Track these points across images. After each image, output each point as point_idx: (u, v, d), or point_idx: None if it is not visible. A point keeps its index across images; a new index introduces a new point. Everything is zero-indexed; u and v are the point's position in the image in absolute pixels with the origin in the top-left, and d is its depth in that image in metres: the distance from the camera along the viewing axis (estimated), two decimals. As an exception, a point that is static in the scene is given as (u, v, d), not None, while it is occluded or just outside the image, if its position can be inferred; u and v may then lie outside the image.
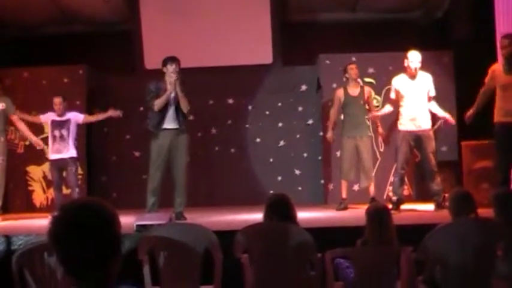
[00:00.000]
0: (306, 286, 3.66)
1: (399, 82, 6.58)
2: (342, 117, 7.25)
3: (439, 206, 6.36)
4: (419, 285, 3.51)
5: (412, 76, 6.50)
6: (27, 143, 8.23)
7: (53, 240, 1.66)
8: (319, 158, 8.54)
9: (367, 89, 7.26)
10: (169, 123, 6.33)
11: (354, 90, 7.11)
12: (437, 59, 8.07)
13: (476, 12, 7.89)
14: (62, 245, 1.65)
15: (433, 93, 6.58)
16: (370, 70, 8.06)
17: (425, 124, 6.51)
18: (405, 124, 6.50)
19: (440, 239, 3.36)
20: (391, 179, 7.45)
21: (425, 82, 6.55)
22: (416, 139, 6.49)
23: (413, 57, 6.48)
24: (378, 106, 8.12)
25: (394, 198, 6.56)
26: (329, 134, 7.22)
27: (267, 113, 8.67)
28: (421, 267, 3.46)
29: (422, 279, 3.49)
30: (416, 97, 6.49)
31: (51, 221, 1.69)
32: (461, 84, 7.99)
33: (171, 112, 6.33)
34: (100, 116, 7.28)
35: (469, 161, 7.06)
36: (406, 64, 6.53)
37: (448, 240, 3.34)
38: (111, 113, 7.07)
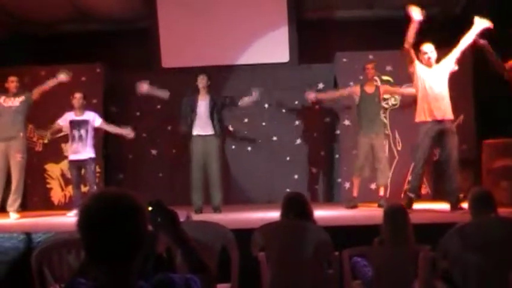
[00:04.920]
0: (324, 284, 3.64)
1: (421, 68, 6.36)
2: (357, 115, 7.28)
3: (454, 207, 6.14)
4: (438, 285, 3.48)
5: (430, 66, 6.33)
6: (45, 141, 8.32)
7: (80, 227, 1.66)
8: (336, 156, 8.51)
9: (382, 87, 7.30)
10: (202, 129, 6.94)
11: (369, 88, 7.16)
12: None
13: (495, 9, 7.80)
14: (89, 233, 1.65)
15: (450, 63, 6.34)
16: (388, 68, 8.02)
17: (448, 115, 6.27)
18: (426, 116, 6.26)
19: (459, 238, 3.33)
20: (409, 177, 7.34)
21: (443, 70, 6.32)
22: (439, 133, 6.24)
23: (428, 49, 6.33)
24: (395, 104, 8.10)
25: (412, 195, 6.36)
26: (312, 94, 7.37)
27: (284, 111, 8.65)
28: (439, 267, 3.43)
29: (440, 278, 3.46)
30: (436, 87, 6.26)
31: (81, 208, 1.69)
32: (479, 83, 7.92)
33: (204, 119, 6.93)
34: (115, 129, 7.36)
35: (489, 159, 6.98)
36: (421, 58, 6.36)
37: (468, 239, 3.31)
38: (125, 132, 7.25)
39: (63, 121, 7.20)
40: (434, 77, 6.30)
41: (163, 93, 7.31)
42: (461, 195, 6.20)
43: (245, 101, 7.18)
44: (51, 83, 7.09)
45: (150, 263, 2.06)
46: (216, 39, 8.58)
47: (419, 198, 6.45)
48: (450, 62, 6.36)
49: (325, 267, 3.67)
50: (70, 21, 8.95)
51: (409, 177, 7.23)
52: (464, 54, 6.39)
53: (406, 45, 6.22)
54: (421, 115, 6.31)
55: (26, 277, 3.46)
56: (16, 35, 8.82)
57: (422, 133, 6.31)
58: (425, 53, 6.33)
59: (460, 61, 6.43)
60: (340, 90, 7.46)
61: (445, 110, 6.26)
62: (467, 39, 6.29)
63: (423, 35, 6.36)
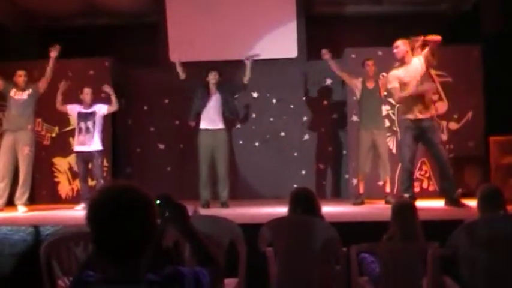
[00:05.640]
0: (331, 280, 3.64)
1: (398, 72, 6.30)
2: (359, 111, 7.33)
3: (453, 203, 6.04)
4: (446, 282, 3.47)
5: (407, 63, 6.24)
6: (53, 134, 8.34)
7: (90, 221, 1.67)
8: (344, 152, 8.50)
9: (381, 80, 7.22)
10: (210, 123, 6.98)
11: (370, 83, 7.17)
12: (466, 53, 7.97)
13: (506, 5, 7.75)
14: (98, 227, 1.65)
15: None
16: (397, 64, 7.96)
17: (426, 113, 6.16)
18: (407, 114, 6.22)
19: (468, 235, 3.31)
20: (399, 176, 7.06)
21: (418, 63, 6.21)
22: (420, 131, 6.16)
23: (395, 44, 6.31)
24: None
25: (406, 195, 6.20)
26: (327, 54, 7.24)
27: (292, 106, 8.64)
28: (447, 264, 3.42)
29: (448, 275, 3.45)
30: (413, 82, 6.16)
31: (89, 202, 1.70)
32: (490, 79, 7.87)
33: (212, 114, 6.98)
34: (112, 96, 7.40)
35: (497, 156, 6.96)
36: (399, 50, 6.27)
37: (476, 236, 3.29)
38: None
39: (71, 109, 7.30)
40: (408, 74, 6.20)
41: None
42: (460, 191, 6.19)
43: (247, 73, 7.20)
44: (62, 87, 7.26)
45: (159, 256, 2.06)
46: (224, 34, 8.56)
47: (414, 198, 6.07)
48: (423, 59, 6.22)
49: (332, 263, 3.66)
50: (80, 15, 8.97)
51: (400, 177, 7.01)
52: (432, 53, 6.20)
53: None
54: (402, 113, 6.35)
55: (34, 270, 3.47)
56: (26, 29, 8.85)
57: (403, 130, 6.33)
58: (398, 46, 6.28)
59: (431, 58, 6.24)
60: (347, 74, 7.38)
61: (423, 107, 6.16)
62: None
63: (433, 30, 6.33)
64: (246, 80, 7.23)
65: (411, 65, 6.25)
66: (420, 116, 6.15)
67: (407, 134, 6.26)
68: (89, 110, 7.22)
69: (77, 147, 7.23)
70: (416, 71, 6.20)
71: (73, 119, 7.64)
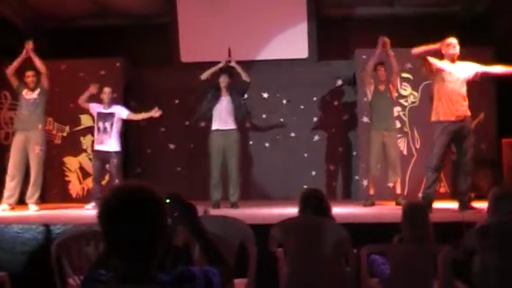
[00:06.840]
0: (341, 281, 3.62)
1: (442, 63, 6.12)
2: (371, 112, 7.29)
3: (464, 207, 5.95)
4: (458, 285, 3.44)
5: (453, 61, 6.11)
6: (64, 134, 8.38)
7: (101, 220, 1.67)
8: (354, 153, 8.47)
9: (391, 82, 7.24)
10: (222, 124, 7.00)
11: (381, 85, 7.20)
12: (478, 55, 7.88)
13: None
14: (110, 226, 1.66)
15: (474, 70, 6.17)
16: (408, 65, 7.96)
17: (466, 112, 6.05)
18: (446, 113, 6.02)
19: (480, 238, 3.28)
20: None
21: (465, 68, 6.13)
22: (457, 131, 6.02)
23: (454, 41, 6.13)
24: (414, 102, 8.05)
25: (428, 191, 6.08)
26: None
27: (302, 107, 8.63)
28: (459, 266, 3.40)
29: (460, 278, 3.43)
30: (457, 83, 6.05)
31: (101, 201, 1.71)
32: (502, 81, 7.81)
33: (224, 115, 7.00)
34: (142, 116, 7.39)
35: (510, 158, 6.92)
36: (445, 51, 6.11)
37: (489, 239, 3.26)
38: (153, 113, 7.22)
39: (93, 109, 7.35)
40: (455, 73, 6.08)
41: None
42: (472, 195, 6.12)
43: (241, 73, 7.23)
44: None
45: (170, 255, 2.07)
46: (235, 35, 8.55)
47: (432, 198, 6.01)
48: (473, 69, 6.16)
49: (342, 264, 3.65)
50: (90, 16, 8.99)
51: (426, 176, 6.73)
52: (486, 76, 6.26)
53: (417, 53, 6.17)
54: (439, 114, 6.06)
55: (45, 268, 3.49)
56: (36, 30, 8.88)
57: (440, 130, 6.05)
58: (452, 46, 6.09)
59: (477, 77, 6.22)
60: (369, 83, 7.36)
61: (463, 108, 6.05)
62: (498, 70, 6.19)
63: (444, 32, 6.29)
64: (244, 77, 7.22)
65: (456, 65, 6.13)
66: (460, 116, 6.01)
67: (442, 135, 6.04)
68: (108, 111, 7.26)
69: (96, 147, 7.30)
70: (462, 72, 6.11)
71: (88, 118, 7.70)
